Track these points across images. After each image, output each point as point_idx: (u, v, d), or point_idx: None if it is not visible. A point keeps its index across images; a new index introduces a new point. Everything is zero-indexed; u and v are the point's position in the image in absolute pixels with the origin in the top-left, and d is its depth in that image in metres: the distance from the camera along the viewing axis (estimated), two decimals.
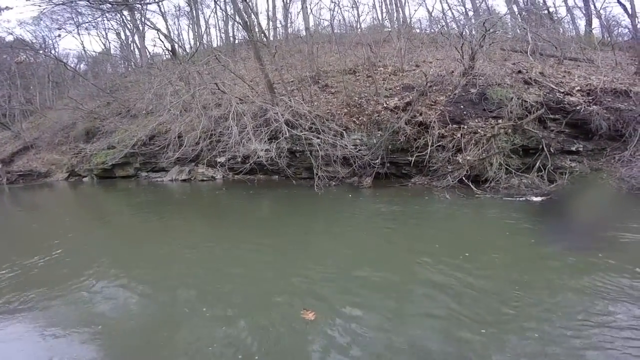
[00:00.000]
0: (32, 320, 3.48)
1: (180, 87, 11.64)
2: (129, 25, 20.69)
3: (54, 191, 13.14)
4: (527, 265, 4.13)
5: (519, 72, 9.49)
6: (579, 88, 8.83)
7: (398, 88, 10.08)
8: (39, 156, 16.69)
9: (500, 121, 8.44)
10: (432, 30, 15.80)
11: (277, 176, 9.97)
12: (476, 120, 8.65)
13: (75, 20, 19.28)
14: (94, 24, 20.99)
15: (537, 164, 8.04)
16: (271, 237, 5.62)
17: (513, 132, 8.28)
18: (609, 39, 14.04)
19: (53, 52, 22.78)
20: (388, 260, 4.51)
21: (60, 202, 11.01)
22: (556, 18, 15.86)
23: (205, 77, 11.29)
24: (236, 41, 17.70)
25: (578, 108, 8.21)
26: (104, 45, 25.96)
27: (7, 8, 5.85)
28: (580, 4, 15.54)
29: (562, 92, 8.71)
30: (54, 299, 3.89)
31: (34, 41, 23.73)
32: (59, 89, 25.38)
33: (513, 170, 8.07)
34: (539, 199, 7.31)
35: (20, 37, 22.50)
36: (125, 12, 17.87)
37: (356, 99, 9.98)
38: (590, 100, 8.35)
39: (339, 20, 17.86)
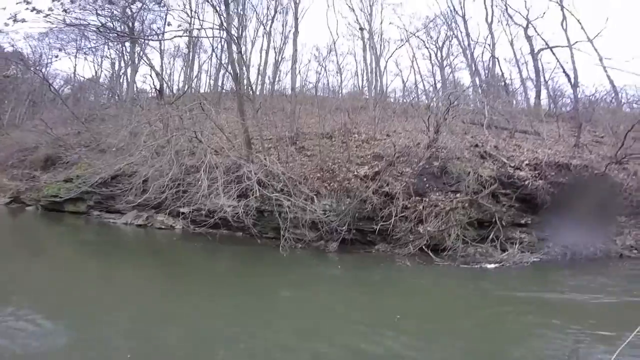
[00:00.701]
0: None
1: (157, 128, 11.61)
2: (125, 57, 21.18)
3: None
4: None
5: (476, 145, 10.33)
6: (527, 162, 9.69)
7: (369, 157, 10.72)
8: None
9: (458, 195, 9.08)
10: (405, 101, 17.55)
11: (241, 233, 9.69)
12: (437, 194, 9.24)
13: (78, 43, 19.54)
14: (94, 49, 21.33)
15: (491, 235, 8.63)
16: (224, 296, 5.28)
17: (470, 206, 8.92)
18: (554, 109, 16.04)
19: (44, 70, 22.41)
20: (340, 331, 4.39)
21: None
22: (511, 90, 18.25)
23: (186, 123, 11.41)
24: (223, 90, 18.49)
25: (526, 183, 9.03)
26: (96, 72, 26.03)
27: (23, 20, 5.88)
28: (533, 75, 17.92)
29: (513, 167, 9.56)
30: None
31: (31, 57, 23.37)
32: (34, 110, 24.35)
33: (469, 241, 8.55)
34: (492, 266, 7.88)
35: (20, 50, 22.14)
36: (127, 44, 18.46)
37: (330, 164, 10.42)
38: (536, 175, 9.20)
39: (323, 84, 19.44)
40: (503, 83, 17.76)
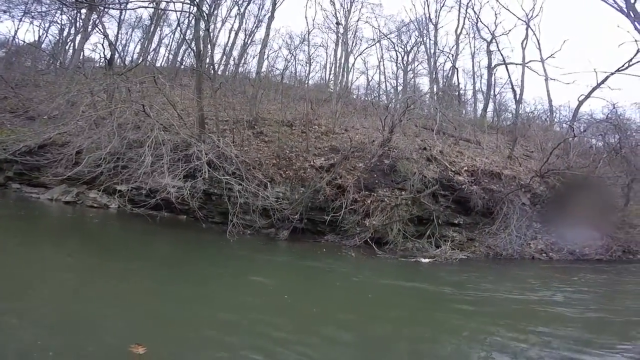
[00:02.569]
0: None
1: (101, 99, 10.54)
2: (78, 24, 18.69)
3: None
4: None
5: (424, 148, 11.05)
6: (466, 168, 10.61)
7: (326, 149, 10.86)
8: None
9: (403, 193, 9.63)
10: (366, 99, 18.06)
11: (185, 216, 9.24)
12: (384, 190, 9.70)
13: (27, 7, 16.74)
14: (44, 14, 18.48)
15: (428, 232, 9.30)
16: (159, 281, 4.97)
17: (412, 203, 9.52)
18: (496, 122, 17.77)
19: None
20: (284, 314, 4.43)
21: None
22: (463, 100, 19.74)
23: (134, 95, 10.51)
24: (182, 66, 17.33)
25: (463, 187, 9.90)
26: (39, 37, 22.65)
27: None
28: (485, 87, 19.62)
29: (453, 171, 10.42)
30: None
31: None
32: None
33: (409, 236, 9.16)
34: (427, 260, 8.50)
35: None
36: (83, 10, 16.29)
37: (287, 152, 10.36)
38: (472, 181, 10.11)
39: (291, 72, 19.17)
40: (457, 93, 19.12)
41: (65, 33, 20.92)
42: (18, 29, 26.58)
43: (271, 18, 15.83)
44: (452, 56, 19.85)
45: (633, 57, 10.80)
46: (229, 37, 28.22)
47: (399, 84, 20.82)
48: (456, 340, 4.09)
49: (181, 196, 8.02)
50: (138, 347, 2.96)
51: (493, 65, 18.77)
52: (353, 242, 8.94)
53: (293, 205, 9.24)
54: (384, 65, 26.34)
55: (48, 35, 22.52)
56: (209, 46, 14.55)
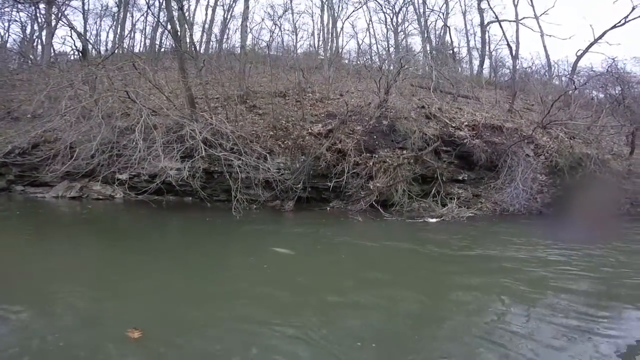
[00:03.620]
0: None
1: (82, 91, 10.12)
2: (40, 19, 17.54)
3: None
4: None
5: (422, 107, 10.93)
6: (466, 123, 10.46)
7: (323, 115, 10.58)
8: None
9: (405, 152, 9.51)
10: (358, 62, 17.41)
11: (190, 198, 9.17)
12: (385, 150, 9.57)
13: None
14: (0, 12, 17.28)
15: (433, 191, 9.27)
16: (175, 269, 4.92)
17: (415, 162, 9.43)
18: (494, 78, 17.49)
19: None
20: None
21: None
22: (458, 58, 19.20)
23: (117, 84, 10.09)
24: (162, 49, 16.51)
25: (465, 142, 9.76)
26: (2, 37, 21.43)
27: None
28: (479, 45, 19.15)
29: (454, 127, 10.27)
30: None
31: None
32: None
33: (414, 196, 9.13)
34: (434, 220, 8.44)
35: None
36: (42, 5, 15.21)
37: (283, 122, 10.10)
38: (474, 135, 9.97)
39: (278, 43, 18.30)
40: (451, 51, 18.48)
41: (28, 30, 19.83)
42: None
43: None
44: (443, 14, 18.99)
45: (629, 14, 10.35)
46: (206, 14, 26.68)
47: (390, 45, 19.96)
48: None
49: (181, 178, 7.93)
50: (134, 332, 2.89)
51: (486, 22, 18.04)
52: (359, 206, 8.93)
53: (295, 175, 9.15)
54: (373, 27, 25.19)
55: (10, 34, 21.42)
56: (185, 26, 13.77)
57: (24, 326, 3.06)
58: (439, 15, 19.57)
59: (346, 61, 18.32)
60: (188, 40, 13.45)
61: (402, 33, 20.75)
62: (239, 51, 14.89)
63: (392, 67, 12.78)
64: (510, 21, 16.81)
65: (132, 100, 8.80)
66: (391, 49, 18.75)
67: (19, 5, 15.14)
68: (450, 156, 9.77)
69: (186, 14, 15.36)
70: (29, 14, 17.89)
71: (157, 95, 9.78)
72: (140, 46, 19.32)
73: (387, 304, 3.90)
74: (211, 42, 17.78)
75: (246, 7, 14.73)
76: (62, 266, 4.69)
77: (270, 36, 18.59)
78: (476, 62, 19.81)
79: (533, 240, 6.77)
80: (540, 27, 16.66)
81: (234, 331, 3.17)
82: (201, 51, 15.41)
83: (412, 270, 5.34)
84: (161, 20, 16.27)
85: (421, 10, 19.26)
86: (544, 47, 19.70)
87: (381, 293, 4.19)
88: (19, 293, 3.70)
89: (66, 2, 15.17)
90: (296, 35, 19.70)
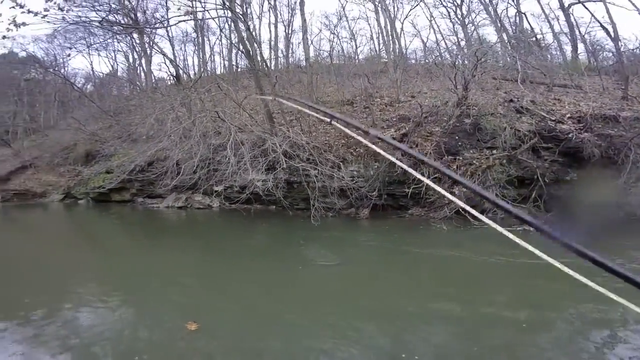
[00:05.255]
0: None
1: (182, 113, 11.86)
2: (137, 49, 21.35)
3: (48, 212, 13.12)
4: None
5: (511, 101, 9.73)
6: (569, 115, 9.01)
7: (394, 119, 10.29)
8: (36, 176, 16.66)
9: (494, 152, 8.57)
10: (427, 61, 16.43)
11: (274, 206, 9.91)
12: (471, 152, 8.78)
13: (87, 40, 19.74)
14: (104, 45, 21.60)
15: (533, 194, 8.12)
16: (254, 271, 5.48)
17: (508, 162, 8.41)
18: (595, 63, 14.65)
19: (62, 71, 23.29)
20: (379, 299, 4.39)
21: (55, 223, 11.06)
22: (543, 45, 16.65)
23: (207, 104, 11.54)
24: (239, 69, 18.28)
25: (570, 136, 8.34)
26: (112, 67, 26.63)
27: (23, 24, 5.90)
28: (566, 29, 16.36)
29: (554, 120, 8.89)
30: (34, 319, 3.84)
31: (45, 59, 24.25)
32: (64, 109, 25.67)
33: (509, 201, 8.09)
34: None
35: (33, 53, 23.05)
36: (135, 35, 18.54)
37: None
38: (581, 128, 8.48)
39: (338, 51, 18.55)
40: (534, 38, 16.13)
41: (131, 59, 23.98)
42: (92, 62, 31.45)
43: (302, 3, 15.41)
44: (514, 1, 16.71)
45: None
46: (270, 31, 28.67)
47: (459, 39, 18.41)
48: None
49: (266, 188, 8.63)
50: (192, 325, 3.32)
51: (567, 4, 15.28)
52: (442, 213, 8.35)
53: (369, 182, 9.08)
54: (436, 23, 23.57)
55: (118, 63, 26.30)
56: (255, 45, 14.99)
57: (117, 318, 3.93)
58: (508, 3, 17.33)
59: (413, 61, 17.51)
60: (259, 58, 14.69)
61: (470, 25, 18.96)
62: (304, 63, 15.59)
63: (466, 62, 11.76)
64: (595, 1, 13.84)
65: (222, 119, 9.95)
66: (462, 43, 17.24)
67: (117, 37, 18.22)
68: (553, 154, 8.47)
69: (253, 34, 16.85)
70: (127, 44, 21.58)
71: (240, 113, 10.86)
72: (221, 68, 21.69)
73: (482, 328, 3.54)
74: (279, 58, 18.98)
75: (303, 20, 15.33)
76: (162, 264, 5.70)
77: (330, 46, 18.95)
78: (567, 48, 16.95)
79: None
80: (634, 4, 13.27)
81: (280, 331, 3.40)
82: (271, 67, 16.57)
83: (508, 286, 4.81)
84: (234, 42, 18.19)
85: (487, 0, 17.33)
86: None
87: (474, 313, 3.84)
88: (116, 287, 4.75)
89: (154, 31, 17.75)
90: (355, 41, 19.66)
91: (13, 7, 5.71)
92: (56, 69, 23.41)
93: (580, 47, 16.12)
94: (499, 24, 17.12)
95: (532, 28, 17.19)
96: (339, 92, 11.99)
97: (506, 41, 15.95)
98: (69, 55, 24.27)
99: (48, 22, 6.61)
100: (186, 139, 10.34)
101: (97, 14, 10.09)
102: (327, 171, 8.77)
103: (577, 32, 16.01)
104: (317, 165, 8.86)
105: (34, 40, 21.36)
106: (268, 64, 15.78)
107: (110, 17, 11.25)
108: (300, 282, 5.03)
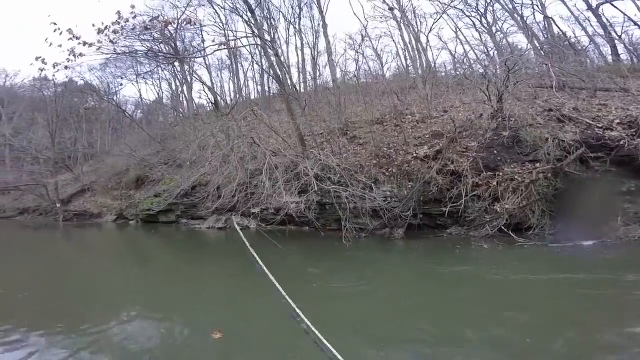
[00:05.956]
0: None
1: (220, 139, 12.76)
2: (178, 76, 23.49)
3: (102, 231, 14.67)
4: None
5: (550, 109, 9.16)
6: (618, 121, 8.26)
7: (427, 136, 10.13)
8: (93, 199, 18.74)
9: (538, 165, 8.06)
10: (457, 73, 16.07)
11: (307, 227, 10.11)
12: (512, 166, 8.34)
13: (135, 69, 22.11)
14: (150, 73, 24.01)
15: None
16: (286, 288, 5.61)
17: (554, 175, 7.84)
18: (638, 63, 13.33)
19: (115, 98, 26.24)
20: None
21: (108, 241, 12.51)
22: (579, 48, 15.49)
23: (243, 130, 12.28)
24: (271, 93, 19.29)
25: (621, 143, 7.61)
26: (157, 94, 29.26)
27: (80, 54, 6.74)
28: (600, 30, 15.21)
29: (601, 127, 8.19)
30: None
31: (100, 87, 27.44)
32: (116, 135, 28.80)
33: (558, 215, 7.53)
34: (589, 242, 6.83)
35: (90, 82, 26.27)
36: (176, 64, 20.41)
37: (385, 149, 10.15)
38: (633, 133, 7.71)
39: (364, 70, 18.87)
40: (567, 42, 15.15)
41: (173, 86, 26.26)
42: (140, 90, 34.89)
43: (324, 25, 16.09)
44: (539, 6, 16.03)
45: None
46: (297, 55, 30.00)
47: (489, 49, 17.86)
48: None
49: (299, 210, 8.86)
50: (217, 332, 3.68)
51: (595, 5, 14.30)
52: (483, 232, 7.97)
53: (403, 202, 8.93)
54: (462, 34, 23.07)
55: (163, 91, 28.83)
56: (284, 69, 15.84)
57: (150, 326, 4.47)
58: (533, 8, 16.56)
59: (442, 74, 17.24)
60: (289, 82, 15.44)
61: (499, 33, 18.33)
62: (331, 85, 16.08)
63: (498, 72, 11.35)
64: None
65: (257, 144, 10.53)
66: (492, 53, 16.70)
67: (161, 65, 19.95)
68: (604, 163, 7.77)
69: (282, 58, 17.82)
70: (170, 72, 23.62)
71: (274, 137, 11.42)
72: (254, 92, 23.06)
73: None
74: (307, 80, 19.78)
75: (327, 42, 15.97)
76: (195, 282, 6.30)
77: (356, 65, 19.35)
78: (605, 50, 15.67)
79: None
80: None
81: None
82: (300, 90, 17.32)
83: (559, 309, 4.42)
84: (264, 67, 19.34)
85: (510, 6, 16.71)
86: None
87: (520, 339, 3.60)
88: (158, 300, 5.41)
89: (192, 60, 19.26)
90: (380, 59, 19.88)
91: (70, 39, 6.29)
92: (109, 96, 26.49)
93: (619, 47, 14.94)
94: (527, 31, 16.41)
95: (563, 32, 16.25)
96: (367, 111, 12.13)
97: (538, 47, 15.17)
98: (120, 83, 27.33)
99: (102, 52, 7.14)
100: (225, 164, 11.06)
101: (141, 44, 11.23)
102: (359, 192, 8.81)
103: (613, 33, 14.89)
104: (347, 186, 8.95)
105: (90, 69, 24.07)
106: (297, 88, 16.56)
107: (154, 47, 12.62)
108: (326, 300, 5.13)
